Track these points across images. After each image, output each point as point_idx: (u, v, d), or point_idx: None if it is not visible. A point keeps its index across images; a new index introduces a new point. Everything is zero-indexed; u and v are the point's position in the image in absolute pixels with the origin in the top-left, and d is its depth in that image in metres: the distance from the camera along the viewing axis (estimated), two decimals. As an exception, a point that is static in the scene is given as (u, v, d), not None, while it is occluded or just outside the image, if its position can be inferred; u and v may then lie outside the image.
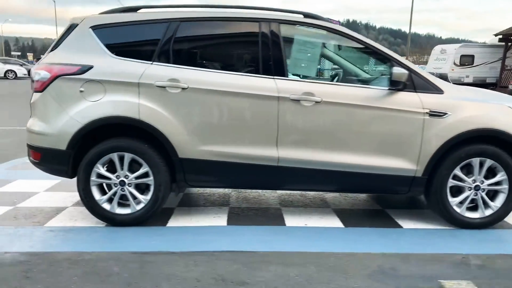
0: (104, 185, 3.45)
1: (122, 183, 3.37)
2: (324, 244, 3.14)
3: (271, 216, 3.73)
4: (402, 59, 3.45)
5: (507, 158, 3.37)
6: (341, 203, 4.15)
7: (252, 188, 3.95)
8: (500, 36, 21.70)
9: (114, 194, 3.39)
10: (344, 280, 2.58)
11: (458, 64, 21.80)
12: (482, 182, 3.44)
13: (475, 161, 3.39)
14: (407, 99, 3.34)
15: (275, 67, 3.38)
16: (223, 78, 3.36)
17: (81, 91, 3.29)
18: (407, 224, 3.60)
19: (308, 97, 3.31)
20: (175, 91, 3.30)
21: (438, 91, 3.41)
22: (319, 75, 3.98)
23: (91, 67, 3.31)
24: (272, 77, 3.36)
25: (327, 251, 3.00)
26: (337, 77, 4.19)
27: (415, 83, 3.38)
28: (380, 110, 3.34)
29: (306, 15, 3.58)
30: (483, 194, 3.46)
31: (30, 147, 3.50)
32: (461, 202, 3.46)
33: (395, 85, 3.32)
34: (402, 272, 2.70)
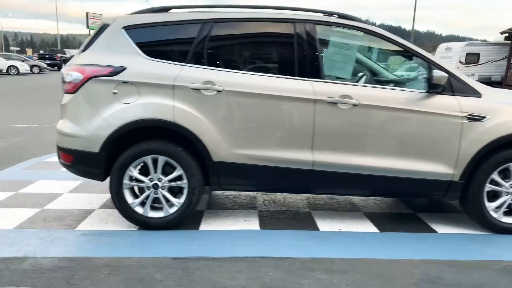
0: (136, 188, 3.40)
1: (155, 186, 3.32)
2: (363, 250, 3.09)
3: (302, 220, 3.68)
4: (441, 62, 3.39)
5: (546, 163, 3.32)
6: (371, 207, 4.11)
7: (285, 192, 3.90)
8: (506, 34, 21.62)
9: (147, 197, 3.34)
10: (394, 289, 2.54)
11: (464, 62, 21.73)
12: (520, 187, 3.40)
13: (514, 165, 3.35)
14: (445, 103, 3.29)
15: (310, 69, 3.32)
16: (258, 80, 3.30)
17: (114, 93, 3.23)
18: (441, 229, 3.55)
19: (345, 100, 3.26)
20: (210, 94, 3.24)
21: (477, 94, 3.35)
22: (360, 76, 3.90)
23: (124, 69, 3.25)
24: (308, 79, 3.30)
25: (368, 258, 2.95)
26: (364, 78, 4.13)
27: (453, 86, 3.32)
28: (418, 114, 3.28)
29: (341, 16, 3.52)
30: (521, 199, 3.42)
31: (60, 149, 3.43)
32: (498, 207, 3.42)
33: (435, 88, 3.26)
34: (450, 281, 2.66)
